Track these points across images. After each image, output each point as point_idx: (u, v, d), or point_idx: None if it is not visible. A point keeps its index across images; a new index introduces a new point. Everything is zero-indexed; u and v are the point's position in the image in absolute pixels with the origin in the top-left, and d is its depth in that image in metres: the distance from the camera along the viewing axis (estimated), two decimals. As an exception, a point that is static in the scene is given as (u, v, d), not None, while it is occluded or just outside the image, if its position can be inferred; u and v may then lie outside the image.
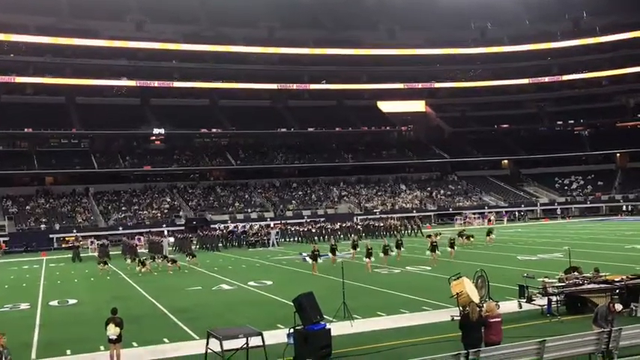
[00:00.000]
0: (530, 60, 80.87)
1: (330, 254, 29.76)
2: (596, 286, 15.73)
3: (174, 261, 30.97)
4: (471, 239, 36.64)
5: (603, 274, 16.81)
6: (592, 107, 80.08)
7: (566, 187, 74.94)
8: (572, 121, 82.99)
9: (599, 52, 77.47)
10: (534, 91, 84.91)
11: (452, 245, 29.82)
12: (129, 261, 32.38)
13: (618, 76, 79.26)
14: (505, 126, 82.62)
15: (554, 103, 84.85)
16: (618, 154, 77.79)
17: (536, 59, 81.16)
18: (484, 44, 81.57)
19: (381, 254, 27.98)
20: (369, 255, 26.19)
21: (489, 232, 38.34)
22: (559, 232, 45.39)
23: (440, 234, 33.85)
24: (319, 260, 27.51)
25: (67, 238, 53.26)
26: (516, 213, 67.65)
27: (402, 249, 30.82)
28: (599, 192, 71.74)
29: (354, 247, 31.67)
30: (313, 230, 48.62)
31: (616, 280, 15.97)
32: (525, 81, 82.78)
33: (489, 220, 61.57)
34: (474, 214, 64.93)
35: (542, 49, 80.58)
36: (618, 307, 12.01)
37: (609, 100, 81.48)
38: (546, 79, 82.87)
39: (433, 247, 28.08)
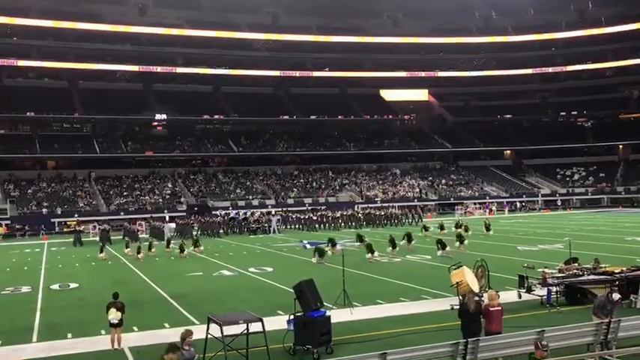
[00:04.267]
0: (535, 50, 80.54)
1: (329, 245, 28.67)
2: (596, 277, 15.77)
3: (182, 250, 30.78)
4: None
5: (603, 265, 16.85)
6: (595, 98, 79.68)
7: (567, 179, 74.87)
8: (575, 112, 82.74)
9: (604, 43, 76.87)
10: (538, 82, 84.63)
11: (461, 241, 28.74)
12: (127, 250, 32.09)
13: (623, 67, 78.90)
14: (508, 116, 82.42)
15: (557, 94, 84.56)
16: (621, 146, 77.61)
17: (541, 49, 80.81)
18: (488, 33, 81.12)
19: (389, 248, 27.47)
20: (371, 251, 25.66)
21: (488, 228, 37.09)
22: (560, 223, 45.40)
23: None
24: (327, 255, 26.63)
25: (68, 223, 53.47)
26: (517, 203, 67.58)
27: (413, 241, 29.69)
28: (600, 184, 71.69)
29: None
30: (314, 218, 48.74)
31: (616, 271, 16.00)
32: (529, 71, 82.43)
33: (490, 211, 61.54)
34: (475, 204, 65.01)
35: (547, 40, 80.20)
36: (615, 296, 12.05)
37: (613, 91, 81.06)
38: (550, 69, 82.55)
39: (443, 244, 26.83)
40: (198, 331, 12.91)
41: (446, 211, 64.20)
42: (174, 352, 8.50)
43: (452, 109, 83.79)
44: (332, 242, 29.12)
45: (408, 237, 29.52)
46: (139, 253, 29.71)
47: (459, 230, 33.01)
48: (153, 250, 31.65)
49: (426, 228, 37.55)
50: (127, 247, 32.14)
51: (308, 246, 30.18)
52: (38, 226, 51.17)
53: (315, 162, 73.44)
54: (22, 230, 51.17)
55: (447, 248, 26.50)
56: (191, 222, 47.11)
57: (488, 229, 36.90)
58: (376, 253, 25.72)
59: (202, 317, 13.85)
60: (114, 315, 12.84)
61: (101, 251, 30.85)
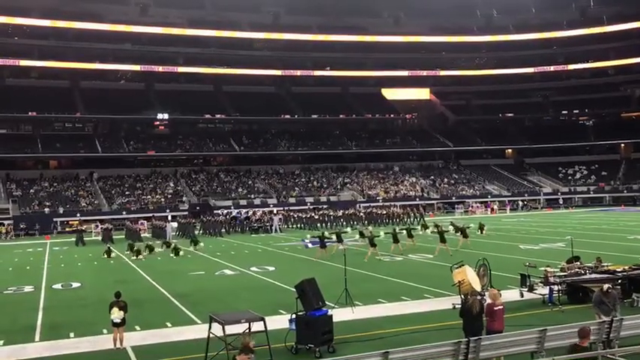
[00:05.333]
0: (536, 49, 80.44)
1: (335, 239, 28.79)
2: (598, 276, 15.75)
3: (177, 252, 30.77)
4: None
5: (605, 264, 16.84)
6: (597, 97, 79.52)
7: (569, 177, 74.76)
8: (576, 111, 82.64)
9: (606, 42, 76.76)
10: (539, 80, 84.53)
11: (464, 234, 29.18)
12: (128, 251, 32.05)
13: (624, 66, 78.80)
14: (509, 115, 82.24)
15: (559, 93, 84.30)
16: (622, 145, 77.49)
17: (542, 48, 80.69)
18: (489, 32, 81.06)
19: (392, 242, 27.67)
20: (372, 244, 26.01)
21: (481, 228, 36.12)
22: (561, 222, 45.36)
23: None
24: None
25: (70, 222, 53.52)
26: (519, 202, 67.49)
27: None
28: (602, 182, 71.61)
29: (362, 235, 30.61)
30: (316, 217, 48.75)
31: (618, 270, 15.99)
32: (530, 70, 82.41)
33: (492, 210, 61.47)
34: (476, 202, 64.91)
35: (548, 38, 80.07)
36: (605, 286, 12.14)
37: (614, 90, 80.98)
38: (552, 68, 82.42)
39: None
40: (201, 331, 12.97)
41: (447, 210, 64.21)
42: (247, 354, 8.22)
43: (453, 108, 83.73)
44: (339, 238, 28.78)
45: (408, 232, 29.64)
46: (138, 254, 29.72)
47: (457, 227, 31.92)
48: (154, 250, 31.67)
49: (426, 226, 36.99)
50: (129, 249, 32.06)
51: (310, 245, 30.20)
52: (46, 225, 51.22)
53: (317, 161, 73.41)
54: (26, 229, 51.12)
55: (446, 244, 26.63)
56: (193, 221, 47.12)
57: (482, 230, 36.18)
58: (377, 249, 26.05)
59: (204, 316, 13.84)
60: (116, 314, 12.87)
61: (108, 255, 30.69)
